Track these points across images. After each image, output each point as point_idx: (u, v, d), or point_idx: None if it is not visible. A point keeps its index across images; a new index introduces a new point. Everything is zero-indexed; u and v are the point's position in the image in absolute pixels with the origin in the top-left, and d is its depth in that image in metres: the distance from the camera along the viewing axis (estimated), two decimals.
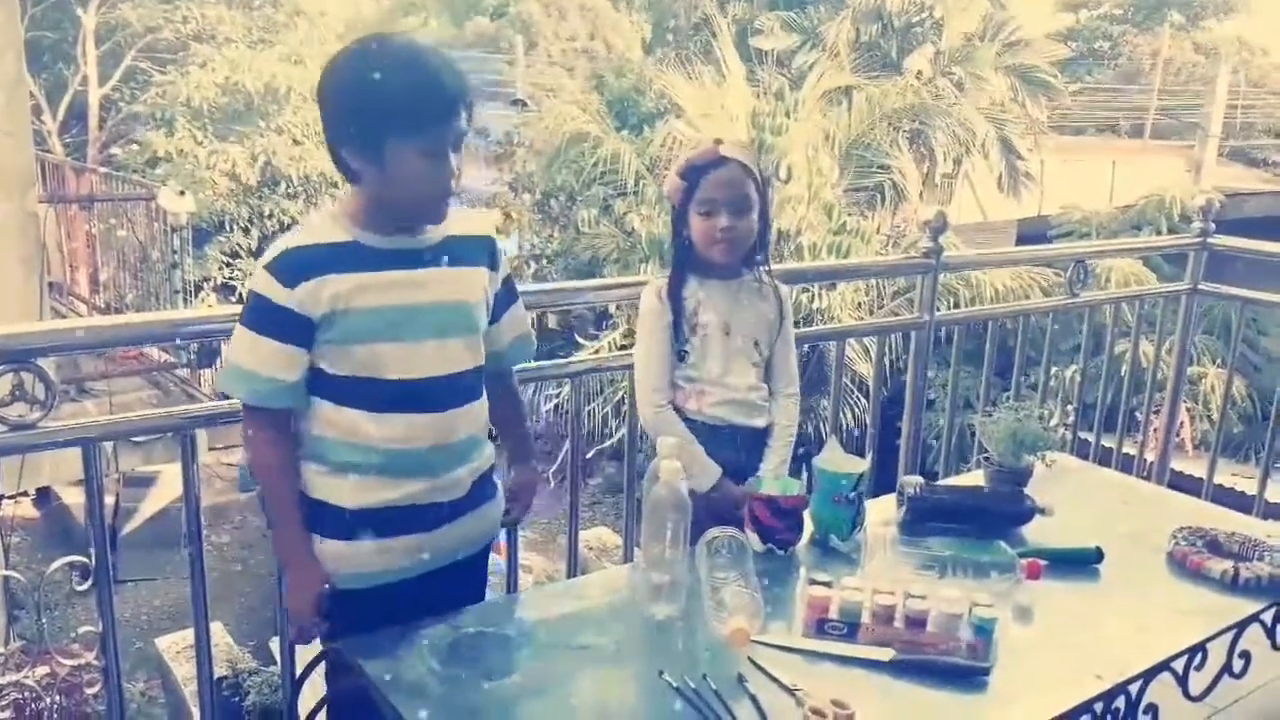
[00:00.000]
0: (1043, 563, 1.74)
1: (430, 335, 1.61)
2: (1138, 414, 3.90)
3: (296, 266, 1.53)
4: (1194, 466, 4.04)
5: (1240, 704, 1.80)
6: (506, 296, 1.76)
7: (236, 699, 5.06)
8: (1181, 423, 3.62)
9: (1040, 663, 1.54)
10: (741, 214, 1.97)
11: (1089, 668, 1.52)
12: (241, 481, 9.88)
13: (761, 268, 2.07)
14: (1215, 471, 3.29)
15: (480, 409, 1.71)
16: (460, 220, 1.66)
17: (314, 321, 1.54)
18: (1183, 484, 3.01)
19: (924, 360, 2.76)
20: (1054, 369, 3.53)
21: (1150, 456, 3.57)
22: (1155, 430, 3.76)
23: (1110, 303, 3.39)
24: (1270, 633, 1.79)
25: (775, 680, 1.44)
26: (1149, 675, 1.54)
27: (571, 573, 2.33)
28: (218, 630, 6.27)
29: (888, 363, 7.94)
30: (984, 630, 1.54)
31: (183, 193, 6.39)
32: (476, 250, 1.68)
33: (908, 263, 2.85)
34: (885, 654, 1.51)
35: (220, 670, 5.29)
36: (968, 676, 1.48)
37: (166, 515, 8.30)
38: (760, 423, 2.06)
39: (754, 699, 1.39)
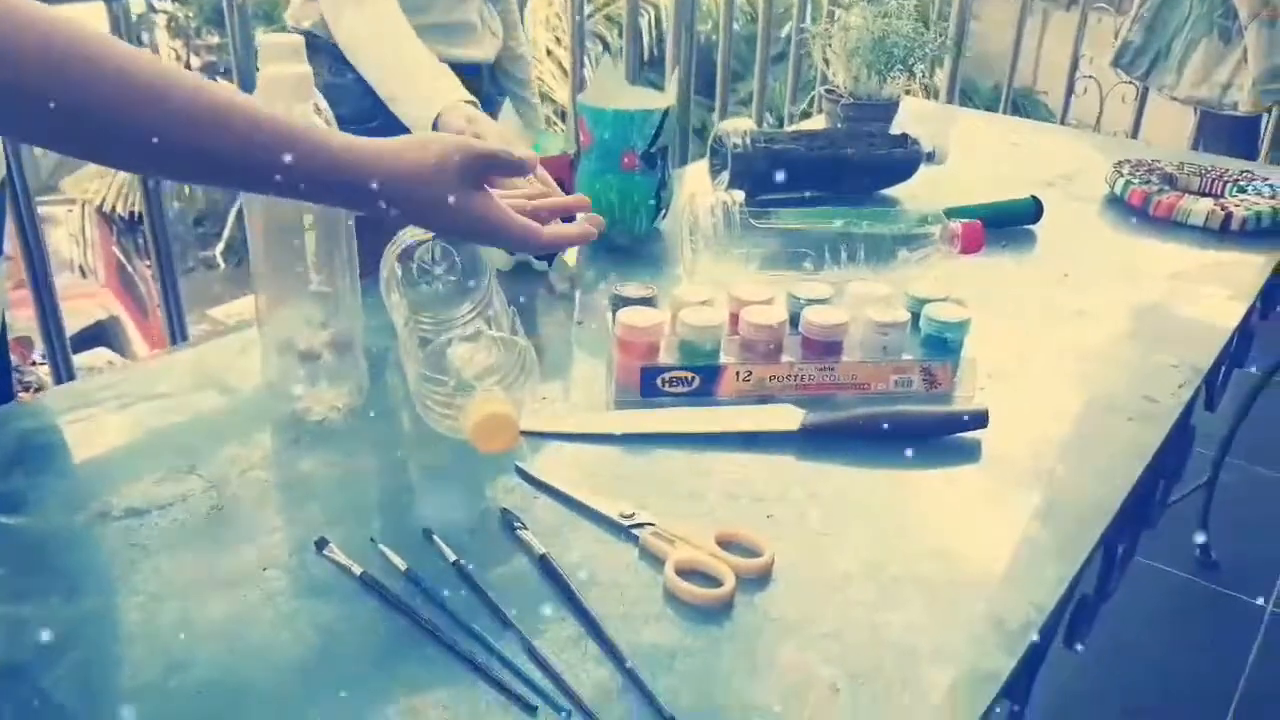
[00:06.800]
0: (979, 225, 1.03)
1: None
2: None
3: None
4: None
5: None
6: None
7: None
8: None
9: (1025, 395, 0.85)
10: None
11: (1115, 392, 0.85)
12: None
13: None
14: None
15: None
16: None
17: None
18: None
19: None
20: None
21: None
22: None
23: None
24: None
25: (588, 511, 0.66)
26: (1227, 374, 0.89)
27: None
28: None
29: None
30: (947, 345, 0.82)
31: None
32: None
33: None
34: (789, 419, 0.76)
35: None
36: (942, 432, 0.76)
37: None
38: (483, 54, 1.26)
39: (546, 564, 0.60)
